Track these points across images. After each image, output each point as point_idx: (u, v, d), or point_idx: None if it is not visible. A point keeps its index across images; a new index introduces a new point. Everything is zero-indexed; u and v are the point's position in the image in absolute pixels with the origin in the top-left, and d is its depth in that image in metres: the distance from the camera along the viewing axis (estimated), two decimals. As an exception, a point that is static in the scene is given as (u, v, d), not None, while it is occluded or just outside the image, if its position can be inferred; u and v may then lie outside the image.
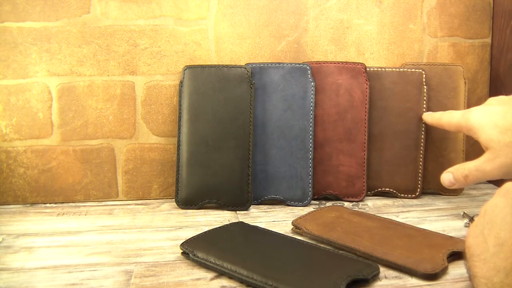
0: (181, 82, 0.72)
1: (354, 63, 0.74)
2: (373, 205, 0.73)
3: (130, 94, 0.74)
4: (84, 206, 0.73)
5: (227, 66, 0.71)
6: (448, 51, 0.81)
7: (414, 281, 0.50)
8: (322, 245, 0.57)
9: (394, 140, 0.75)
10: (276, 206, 0.72)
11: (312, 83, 0.72)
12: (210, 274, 0.51)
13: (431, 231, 0.60)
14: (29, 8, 0.70)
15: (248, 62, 0.75)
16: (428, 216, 0.68)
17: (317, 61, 0.75)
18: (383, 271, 0.51)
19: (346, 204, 0.73)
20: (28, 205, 0.73)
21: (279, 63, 0.73)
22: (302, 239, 0.59)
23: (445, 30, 0.80)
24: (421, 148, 0.74)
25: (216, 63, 0.75)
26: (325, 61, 0.74)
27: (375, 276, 0.49)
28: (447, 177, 0.64)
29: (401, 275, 0.51)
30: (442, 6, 0.79)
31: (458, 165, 0.63)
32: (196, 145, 0.70)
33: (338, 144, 0.74)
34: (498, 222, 0.41)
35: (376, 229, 0.60)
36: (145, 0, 0.72)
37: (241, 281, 0.49)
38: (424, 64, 0.77)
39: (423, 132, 0.74)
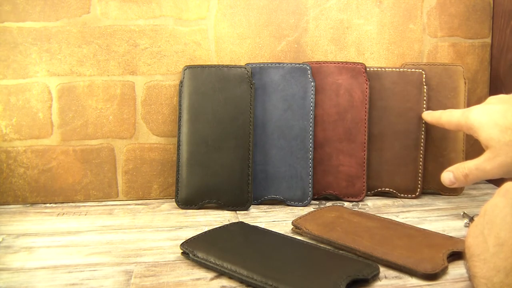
0: (181, 82, 0.72)
1: (354, 63, 0.74)
2: (373, 205, 0.73)
3: (130, 94, 0.74)
4: (84, 206, 0.73)
5: (227, 66, 0.71)
6: (448, 51, 0.81)
7: (414, 281, 0.50)
8: (322, 245, 0.57)
9: (394, 140, 0.75)
10: (276, 206, 0.72)
11: (312, 83, 0.72)
12: (210, 274, 0.51)
13: (431, 231, 0.60)
14: (29, 8, 0.70)
15: (248, 62, 0.75)
16: (428, 216, 0.68)
17: (317, 61, 0.75)
18: (383, 271, 0.51)
19: (346, 204, 0.73)
20: (28, 205, 0.73)
21: (279, 63, 0.73)
22: (302, 239, 0.59)
23: (445, 30, 0.80)
24: (421, 148, 0.74)
25: (216, 63, 0.75)
26: (325, 61, 0.74)
27: (375, 276, 0.49)
28: (447, 176, 0.64)
29: (401, 275, 0.51)
30: (442, 6, 0.79)
31: (458, 164, 0.63)
32: (196, 145, 0.70)
33: (338, 144, 0.74)
34: (498, 222, 0.41)
35: (376, 229, 0.60)
36: (145, 0, 0.72)
37: (241, 281, 0.49)
38: (424, 64, 0.77)
39: (423, 132, 0.74)
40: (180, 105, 0.71)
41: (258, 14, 0.75)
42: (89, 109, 0.73)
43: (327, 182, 0.74)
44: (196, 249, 0.53)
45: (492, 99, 0.63)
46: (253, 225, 0.62)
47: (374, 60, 0.79)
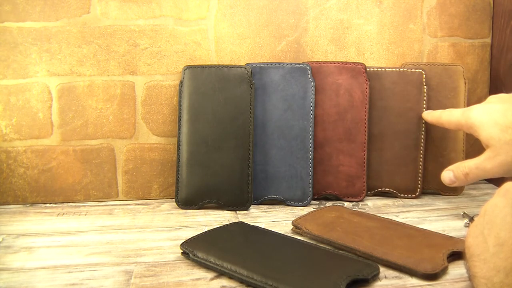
0: (181, 82, 0.72)
1: (354, 63, 0.74)
2: (373, 205, 0.73)
3: (130, 94, 0.74)
4: (84, 206, 0.73)
5: (227, 66, 0.71)
6: (448, 51, 0.81)
7: (414, 281, 0.50)
8: (322, 245, 0.57)
9: (394, 140, 0.75)
10: (276, 206, 0.72)
11: (312, 83, 0.72)
12: (210, 274, 0.51)
13: (431, 231, 0.60)
14: (29, 8, 0.70)
15: (248, 62, 0.75)
16: (428, 216, 0.68)
17: (317, 61, 0.75)
18: (383, 271, 0.51)
19: (346, 204, 0.73)
20: (28, 205, 0.73)
21: (279, 63, 0.73)
22: (302, 239, 0.59)
23: (445, 30, 0.80)
24: (421, 148, 0.74)
25: (216, 63, 0.75)
26: (325, 61, 0.74)
27: (375, 276, 0.49)
28: (447, 175, 0.64)
29: (401, 275, 0.51)
30: (442, 6, 0.79)
31: (459, 163, 0.63)
32: (196, 145, 0.70)
33: (338, 144, 0.74)
34: (498, 222, 0.41)
35: (376, 229, 0.60)
36: (145, 0, 0.72)
37: (241, 281, 0.49)
38: (424, 64, 0.77)
39: (423, 132, 0.74)
40: (180, 105, 0.71)
41: (258, 14, 0.75)
42: (89, 109, 0.73)
43: (327, 182, 0.74)
44: (196, 249, 0.53)
45: (493, 98, 0.63)
46: (253, 225, 0.62)
47: (374, 60, 0.79)
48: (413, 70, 0.75)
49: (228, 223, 0.62)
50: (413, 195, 0.75)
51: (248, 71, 0.71)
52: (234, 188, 0.69)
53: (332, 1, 0.77)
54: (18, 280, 0.50)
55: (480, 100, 0.78)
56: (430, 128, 0.75)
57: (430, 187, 0.76)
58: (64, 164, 0.73)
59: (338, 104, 0.73)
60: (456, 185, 0.64)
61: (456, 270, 0.52)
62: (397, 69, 0.75)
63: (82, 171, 0.74)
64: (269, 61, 0.76)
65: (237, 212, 0.70)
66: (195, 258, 0.52)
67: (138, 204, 0.74)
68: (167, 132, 0.75)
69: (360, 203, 0.73)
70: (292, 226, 0.62)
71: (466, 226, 0.64)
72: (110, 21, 0.72)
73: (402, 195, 0.75)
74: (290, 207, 0.71)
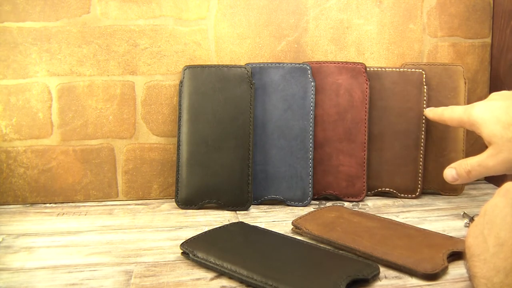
0: (181, 82, 0.72)
1: (354, 63, 0.74)
2: (373, 205, 0.73)
3: (130, 94, 0.74)
4: (84, 206, 0.73)
5: (227, 66, 0.71)
6: (448, 51, 0.81)
7: (414, 281, 0.50)
8: (322, 245, 0.57)
9: (394, 140, 0.75)
10: (276, 206, 0.72)
11: (312, 83, 0.72)
12: (210, 274, 0.51)
13: (431, 231, 0.60)
14: (29, 8, 0.70)
15: (248, 62, 0.75)
16: (428, 216, 0.68)
17: (317, 61, 0.75)
18: (383, 271, 0.51)
19: (346, 204, 0.73)
20: (28, 205, 0.73)
21: (279, 63, 0.73)
22: (302, 239, 0.59)
23: (445, 30, 0.80)
24: (421, 148, 0.74)
25: (216, 63, 0.75)
26: (325, 61, 0.74)
27: (375, 276, 0.49)
28: (450, 172, 0.64)
29: (401, 275, 0.51)
30: (442, 6, 0.79)
31: (461, 160, 0.63)
32: (196, 145, 0.70)
33: (338, 144, 0.74)
34: (498, 222, 0.41)
35: (376, 229, 0.60)
36: (145, 0, 0.72)
37: (241, 281, 0.49)
38: (424, 64, 0.77)
39: (423, 132, 0.74)
40: (180, 105, 0.71)
41: (258, 14, 0.75)
42: (89, 109, 0.73)
43: (327, 182, 0.74)
44: (196, 249, 0.53)
45: (495, 95, 0.63)
46: (253, 225, 0.62)
47: (374, 60, 0.79)
48: (413, 70, 0.75)
49: (228, 223, 0.62)
50: (413, 195, 0.75)
51: (248, 71, 0.71)
52: (234, 188, 0.69)
53: (332, 1, 0.77)
54: (18, 280, 0.50)
55: (480, 100, 0.78)
56: (430, 128, 0.75)
57: (430, 187, 0.76)
58: (64, 164, 0.73)
59: (338, 104, 0.73)
60: (458, 182, 0.64)
61: (456, 270, 0.52)
62: (397, 69, 0.75)
63: (82, 171, 0.74)
64: (269, 61, 0.76)
65: (237, 212, 0.70)
66: (195, 258, 0.52)
67: (138, 204, 0.74)
68: (167, 132, 0.75)
69: (360, 203, 0.73)
70: (292, 226, 0.62)
71: (466, 226, 0.64)
72: (110, 21, 0.72)
73: (402, 195, 0.75)
74: (290, 207, 0.71)
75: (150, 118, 0.74)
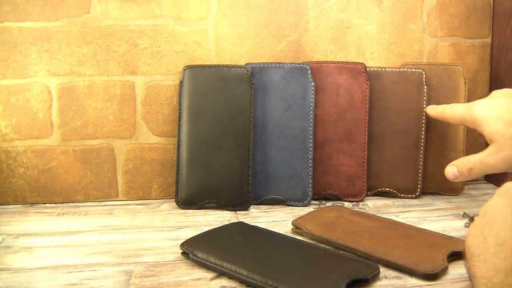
0: (181, 82, 0.72)
1: (354, 63, 0.74)
2: (373, 205, 0.73)
3: (130, 94, 0.74)
4: (84, 206, 0.73)
5: (227, 66, 0.71)
6: (448, 51, 0.81)
7: (414, 281, 0.50)
8: (322, 245, 0.57)
9: (394, 140, 0.75)
10: (276, 206, 0.72)
11: (312, 83, 0.72)
12: (210, 274, 0.51)
13: (431, 231, 0.60)
14: (29, 8, 0.70)
15: (248, 62, 0.75)
16: (428, 216, 0.68)
17: (317, 61, 0.75)
18: (383, 271, 0.51)
19: (346, 204, 0.73)
20: (28, 205, 0.73)
21: (279, 63, 0.73)
22: (302, 239, 0.59)
23: (445, 30, 0.80)
24: (421, 148, 0.74)
25: (216, 63, 0.75)
26: (325, 61, 0.74)
27: (375, 276, 0.49)
28: (451, 170, 0.64)
29: (401, 275, 0.51)
30: (442, 6, 0.79)
31: (462, 158, 0.63)
32: (196, 145, 0.70)
33: (338, 144, 0.74)
34: (498, 222, 0.41)
35: (376, 229, 0.60)
36: (145, 0, 0.72)
37: (241, 281, 0.49)
38: (424, 64, 0.77)
39: (423, 132, 0.74)
40: (180, 105, 0.71)
41: (258, 14, 0.75)
42: (89, 109, 0.73)
43: (327, 182, 0.74)
44: (196, 249, 0.53)
45: (496, 93, 0.63)
46: (253, 225, 0.62)
47: (374, 60, 0.79)
48: (413, 70, 0.75)
49: (228, 223, 0.62)
50: (413, 195, 0.75)
51: (248, 71, 0.71)
52: (234, 188, 0.69)
53: (332, 1, 0.77)
54: (18, 280, 0.50)
55: (480, 100, 0.78)
56: (430, 128, 0.75)
57: (430, 187, 0.76)
58: (64, 164, 0.73)
59: (338, 104, 0.73)
60: (459, 180, 0.63)
61: (456, 270, 0.52)
62: (397, 69, 0.75)
63: (82, 171, 0.74)
64: (269, 61, 0.76)
65: (237, 212, 0.70)
66: (195, 258, 0.52)
67: (138, 204, 0.74)
68: (167, 132, 0.75)
69: (360, 203, 0.73)
70: (292, 226, 0.62)
71: (466, 226, 0.64)
72: (110, 21, 0.72)
73: (402, 195, 0.75)
74: (290, 207, 0.71)
75: (150, 118, 0.74)
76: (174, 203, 0.72)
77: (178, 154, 0.71)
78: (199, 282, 0.49)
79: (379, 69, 0.75)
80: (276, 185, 0.72)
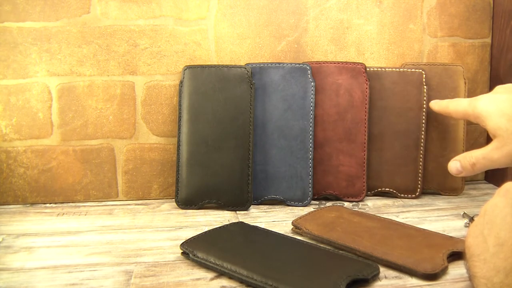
0: (181, 82, 0.72)
1: (354, 63, 0.74)
2: (373, 205, 0.73)
3: (130, 94, 0.74)
4: (84, 206, 0.73)
5: (227, 66, 0.71)
6: (448, 51, 0.81)
7: (414, 281, 0.50)
8: (322, 245, 0.57)
9: (394, 140, 0.75)
10: (276, 206, 0.72)
11: (312, 83, 0.72)
12: (210, 274, 0.51)
13: (431, 231, 0.60)
14: (29, 8, 0.70)
15: (248, 62, 0.75)
16: (428, 216, 0.68)
17: (317, 61, 0.75)
18: (383, 271, 0.51)
19: (346, 204, 0.73)
20: (28, 205, 0.73)
21: (279, 63, 0.73)
22: (302, 239, 0.59)
23: (445, 30, 0.80)
24: (421, 148, 0.74)
25: (216, 63, 0.75)
26: (325, 61, 0.74)
27: (375, 276, 0.49)
28: (454, 165, 0.64)
29: (401, 275, 0.51)
30: (442, 6, 0.79)
31: (466, 153, 0.63)
32: (196, 145, 0.70)
33: (338, 144, 0.74)
34: (498, 222, 0.41)
35: (376, 229, 0.60)
36: (145, 0, 0.72)
37: (241, 281, 0.49)
38: (424, 64, 0.77)
39: (423, 132, 0.74)
40: (180, 105, 0.71)
41: (258, 14, 0.75)
42: (89, 109, 0.73)
43: (327, 182, 0.74)
44: (196, 249, 0.53)
45: (500, 88, 0.63)
46: (253, 225, 0.62)
47: (374, 60, 0.79)
48: (413, 70, 0.75)
49: (228, 223, 0.62)
50: (413, 195, 0.75)
51: (248, 71, 0.71)
52: (234, 188, 0.69)
53: (332, 1, 0.77)
54: (18, 280, 0.50)
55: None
56: (430, 128, 0.75)
57: (430, 187, 0.76)
58: (64, 164, 0.73)
59: (338, 104, 0.73)
60: (463, 175, 0.63)
61: (456, 270, 0.52)
62: (397, 69, 0.75)
63: (82, 171, 0.74)
64: (269, 61, 0.76)
65: (237, 212, 0.70)
66: (195, 258, 0.52)
67: (138, 204, 0.74)
68: (167, 132, 0.75)
69: (360, 203, 0.73)
70: (292, 226, 0.62)
71: (466, 226, 0.64)
72: (110, 21, 0.72)
73: (402, 195, 0.75)
74: (290, 207, 0.71)
75: (150, 118, 0.74)
76: (174, 203, 0.72)
77: (178, 154, 0.71)
78: (199, 282, 0.49)
79: (379, 69, 0.75)
80: (276, 185, 0.72)
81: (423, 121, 0.74)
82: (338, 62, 0.74)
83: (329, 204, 0.73)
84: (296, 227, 0.61)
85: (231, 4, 0.74)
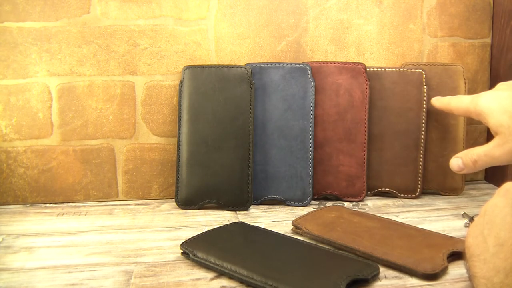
0: (181, 82, 0.72)
1: (354, 63, 0.74)
2: (373, 205, 0.73)
3: (130, 94, 0.74)
4: (84, 206, 0.73)
5: (227, 66, 0.71)
6: (448, 51, 0.81)
7: (414, 281, 0.50)
8: (322, 245, 0.57)
9: (394, 140, 0.75)
10: (276, 206, 0.72)
11: (312, 83, 0.72)
12: (210, 274, 0.51)
13: (431, 231, 0.60)
14: (29, 8, 0.70)
15: (248, 62, 0.75)
16: (428, 216, 0.68)
17: (317, 61, 0.75)
18: (383, 271, 0.51)
19: (346, 204, 0.73)
20: (28, 205, 0.73)
21: (279, 63, 0.73)
22: (302, 239, 0.59)
23: (445, 30, 0.80)
24: (421, 148, 0.74)
25: (216, 63, 0.75)
26: (325, 61, 0.74)
27: (375, 276, 0.49)
28: (456, 162, 0.64)
29: (401, 275, 0.51)
30: (442, 6, 0.79)
31: (467, 150, 0.63)
32: (196, 145, 0.70)
33: (338, 144, 0.74)
34: (498, 222, 0.41)
35: (376, 229, 0.60)
36: (145, 0, 0.72)
37: (241, 281, 0.49)
38: (424, 64, 0.77)
39: (423, 132, 0.74)
40: (180, 105, 0.71)
41: (258, 14, 0.75)
42: (89, 109, 0.73)
43: (327, 182, 0.74)
44: (196, 249, 0.53)
45: (502, 85, 0.62)
46: (253, 225, 0.62)
47: (374, 60, 0.79)
48: (413, 70, 0.75)
49: (228, 223, 0.62)
50: (413, 195, 0.75)
51: (248, 71, 0.71)
52: (234, 188, 0.69)
53: (332, 1, 0.77)
54: (18, 280, 0.50)
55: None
56: (430, 128, 0.75)
57: (430, 187, 0.76)
58: (64, 164, 0.73)
59: (338, 104, 0.73)
60: (464, 172, 0.63)
61: (456, 270, 0.52)
62: (397, 69, 0.75)
63: (82, 171, 0.74)
64: (269, 61, 0.76)
65: (237, 212, 0.70)
66: (195, 258, 0.52)
67: (138, 204, 0.74)
68: (167, 132, 0.75)
69: (360, 203, 0.73)
70: (292, 226, 0.62)
71: (466, 226, 0.64)
72: (110, 21, 0.72)
73: (402, 195, 0.75)
74: (290, 207, 0.71)
75: (150, 118, 0.74)
76: (174, 203, 0.72)
77: (178, 154, 0.71)
78: (199, 282, 0.49)
79: (379, 69, 0.75)
80: (276, 185, 0.72)
81: (423, 121, 0.74)
82: (338, 62, 0.74)
83: (329, 204, 0.73)
84: (296, 227, 0.61)
85: (231, 4, 0.74)
